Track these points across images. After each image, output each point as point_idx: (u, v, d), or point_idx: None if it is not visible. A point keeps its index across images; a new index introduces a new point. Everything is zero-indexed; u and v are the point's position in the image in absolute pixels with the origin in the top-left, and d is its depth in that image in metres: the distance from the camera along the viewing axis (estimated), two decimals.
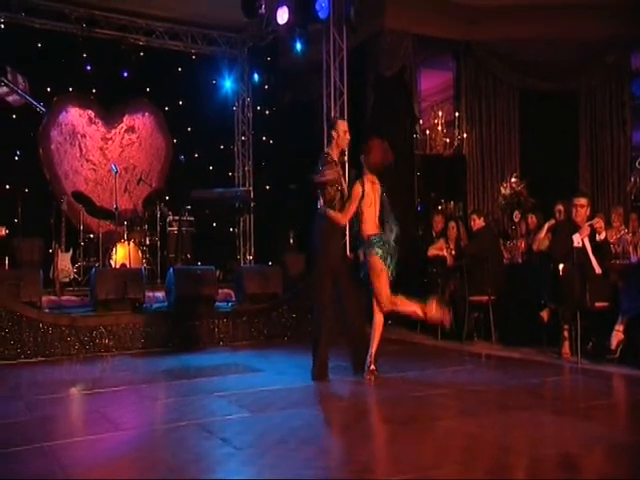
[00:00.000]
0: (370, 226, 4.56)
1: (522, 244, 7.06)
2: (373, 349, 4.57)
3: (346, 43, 7.77)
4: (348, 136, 4.68)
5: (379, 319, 4.58)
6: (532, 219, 7.09)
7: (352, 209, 4.53)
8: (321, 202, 4.61)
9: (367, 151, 4.62)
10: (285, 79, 10.11)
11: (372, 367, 4.56)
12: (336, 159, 4.65)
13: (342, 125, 4.71)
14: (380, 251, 4.50)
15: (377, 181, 4.69)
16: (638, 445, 3.14)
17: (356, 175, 4.67)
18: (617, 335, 5.06)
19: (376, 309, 4.59)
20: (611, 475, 2.78)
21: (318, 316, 4.59)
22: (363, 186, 4.56)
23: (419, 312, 4.61)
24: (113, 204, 8.51)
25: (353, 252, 4.95)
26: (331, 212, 4.56)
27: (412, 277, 7.30)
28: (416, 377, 4.78)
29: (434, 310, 4.59)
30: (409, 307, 4.61)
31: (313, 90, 8.95)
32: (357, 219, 4.59)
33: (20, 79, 8.38)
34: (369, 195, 4.58)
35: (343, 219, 4.58)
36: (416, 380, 4.67)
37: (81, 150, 9.67)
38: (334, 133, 4.66)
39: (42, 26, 8.92)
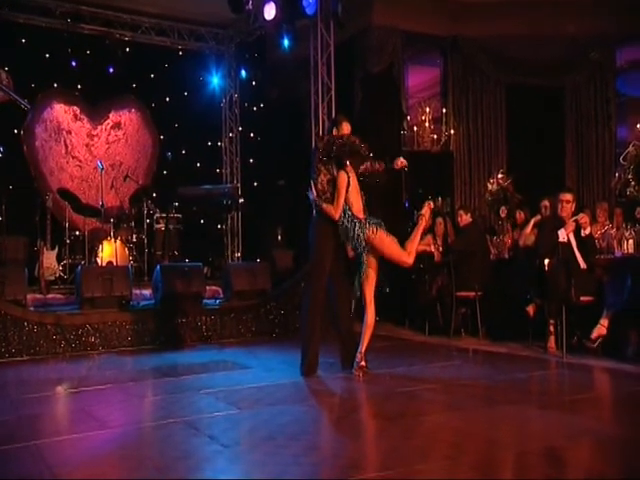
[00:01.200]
0: (358, 211, 4.57)
1: (509, 240, 7.10)
2: (364, 346, 4.58)
3: (334, 39, 7.75)
4: None
5: (371, 317, 4.58)
6: (519, 215, 7.12)
7: (341, 200, 4.51)
8: (313, 194, 4.56)
9: (349, 147, 4.61)
10: (272, 75, 10.07)
11: (362, 363, 4.57)
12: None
13: (346, 127, 4.66)
14: (375, 223, 4.52)
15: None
16: (623, 438, 3.18)
17: (338, 164, 4.63)
18: (600, 329, 5.11)
19: (369, 307, 4.60)
20: (597, 468, 2.80)
21: (310, 311, 4.57)
22: (348, 174, 4.57)
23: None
24: (99, 201, 8.43)
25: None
26: (324, 205, 4.54)
27: (399, 273, 7.33)
28: (404, 373, 4.80)
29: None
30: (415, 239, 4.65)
31: (301, 86, 8.92)
32: (344, 211, 4.54)
33: (3, 75, 8.27)
34: (354, 184, 4.60)
35: (336, 212, 4.53)
36: (404, 376, 4.69)
37: (66, 147, 9.57)
38: (335, 132, 4.61)
39: (26, 21, 8.80)
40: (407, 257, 4.60)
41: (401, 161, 4.79)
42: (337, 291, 4.62)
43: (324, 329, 4.68)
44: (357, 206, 4.57)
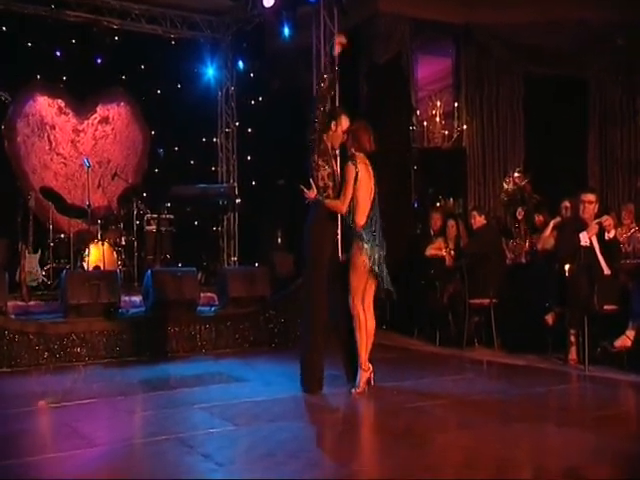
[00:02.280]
0: (361, 216, 4.46)
1: (526, 243, 7.11)
2: (364, 356, 4.56)
3: (337, 27, 7.78)
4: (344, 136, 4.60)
5: (371, 324, 4.59)
6: (537, 216, 7.13)
7: (349, 193, 4.41)
8: (312, 193, 4.50)
9: (353, 134, 4.58)
10: (272, 66, 10.09)
11: (366, 375, 4.57)
12: (329, 150, 4.58)
13: (345, 122, 4.61)
14: (367, 247, 4.41)
15: (370, 164, 4.59)
16: None
17: (346, 157, 4.62)
18: (624, 340, 5.10)
19: (371, 312, 4.61)
20: None
21: (312, 321, 4.53)
22: (356, 166, 4.45)
23: (362, 354, 4.51)
24: (85, 201, 8.47)
25: (345, 253, 4.94)
26: (327, 201, 4.48)
27: (409, 279, 7.34)
28: (412, 386, 4.81)
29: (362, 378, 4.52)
30: (361, 341, 4.49)
31: (302, 78, 8.95)
32: (350, 208, 4.47)
33: None
34: (364, 178, 4.47)
35: (342, 206, 4.43)
36: (412, 390, 4.69)
37: (50, 143, 9.62)
38: (334, 125, 4.58)
39: (7, 7, 8.84)
40: (354, 307, 4.51)
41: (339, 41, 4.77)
42: (338, 297, 4.61)
43: (327, 340, 4.69)
44: (363, 207, 4.46)
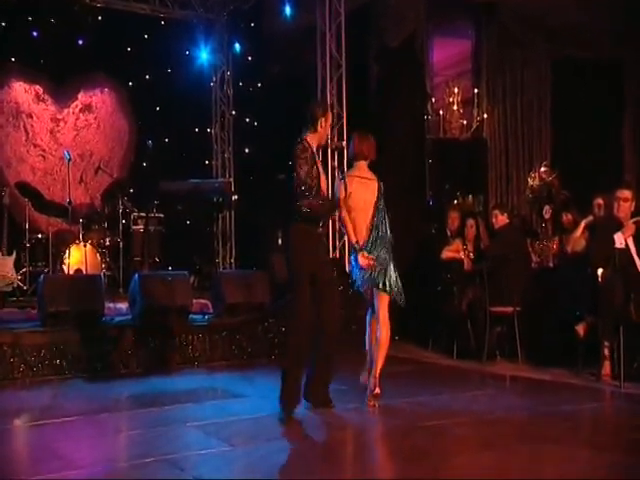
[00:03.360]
0: (359, 233, 4.68)
1: (554, 245, 7.10)
2: (378, 370, 4.60)
3: (344, 6, 7.81)
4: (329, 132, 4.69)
5: (384, 334, 4.61)
6: (566, 216, 7.13)
7: (341, 214, 4.69)
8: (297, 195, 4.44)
9: (355, 144, 4.81)
10: (272, 49, 10.10)
11: (377, 390, 4.59)
12: (314, 150, 4.55)
13: (330, 117, 4.70)
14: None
15: (373, 177, 4.76)
16: None
17: (341, 173, 4.74)
18: None
19: (382, 322, 4.63)
20: None
21: (295, 334, 4.46)
22: (346, 186, 4.61)
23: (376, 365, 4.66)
24: (66, 198, 8.48)
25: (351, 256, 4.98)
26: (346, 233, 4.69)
27: (423, 284, 7.34)
28: (428, 403, 4.81)
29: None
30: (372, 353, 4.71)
31: (305, 63, 8.96)
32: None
33: None
34: (356, 192, 4.65)
35: (347, 227, 4.74)
36: (428, 407, 4.70)
37: (27, 133, 9.65)
38: (323, 123, 4.56)
39: None
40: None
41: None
42: (323, 307, 4.50)
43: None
44: (359, 223, 4.68)
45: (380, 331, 4.62)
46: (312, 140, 4.57)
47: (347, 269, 6.99)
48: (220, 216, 10.18)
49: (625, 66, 9.57)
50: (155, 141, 9.40)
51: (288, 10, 8.26)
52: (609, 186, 6.06)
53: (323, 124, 4.58)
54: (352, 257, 4.92)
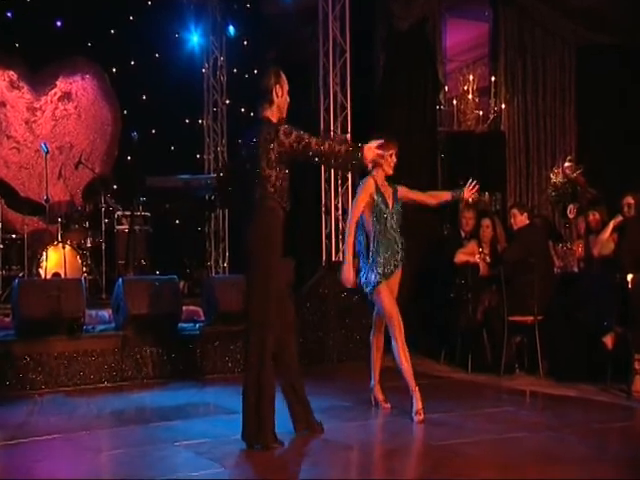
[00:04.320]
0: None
1: (579, 248, 7.10)
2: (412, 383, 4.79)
3: None
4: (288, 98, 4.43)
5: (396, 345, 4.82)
6: (593, 215, 7.11)
7: (355, 214, 4.94)
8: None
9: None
10: (269, 33, 10.12)
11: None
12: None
13: (285, 82, 4.44)
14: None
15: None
16: None
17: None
18: None
19: (396, 335, 4.78)
20: None
21: (256, 346, 4.15)
22: (375, 192, 4.99)
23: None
24: (43, 195, 8.49)
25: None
26: None
27: (434, 290, 7.33)
28: (440, 421, 4.80)
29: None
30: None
31: (306, 47, 8.96)
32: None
33: None
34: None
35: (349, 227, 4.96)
36: (440, 425, 4.69)
37: (0, 123, 9.66)
38: (278, 91, 4.35)
39: None
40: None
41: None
42: (281, 323, 4.25)
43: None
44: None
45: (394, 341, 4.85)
46: (272, 115, 4.34)
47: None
48: (212, 215, 10.18)
49: None
50: (141, 133, 9.36)
51: None
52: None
53: (279, 93, 4.37)
54: (361, 260, 5.02)
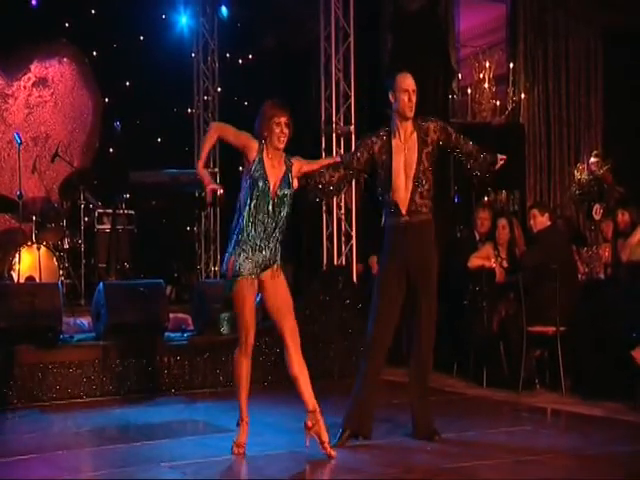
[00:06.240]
0: None
1: (605, 252, 7.11)
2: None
3: None
4: None
5: None
6: (622, 216, 7.13)
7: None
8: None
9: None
10: (266, 15, 10.14)
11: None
12: None
13: None
14: None
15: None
16: None
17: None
18: None
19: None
20: None
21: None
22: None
23: None
24: (16, 190, 8.50)
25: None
26: None
27: (447, 298, 7.32)
28: (453, 441, 4.80)
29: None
30: None
31: (307, 31, 8.98)
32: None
33: None
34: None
35: None
36: (454, 446, 4.69)
37: None
38: None
39: None
40: None
41: None
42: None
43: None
44: None
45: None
46: None
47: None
48: (202, 214, 10.18)
49: None
50: (124, 123, 9.40)
51: None
52: None
53: None
54: None
